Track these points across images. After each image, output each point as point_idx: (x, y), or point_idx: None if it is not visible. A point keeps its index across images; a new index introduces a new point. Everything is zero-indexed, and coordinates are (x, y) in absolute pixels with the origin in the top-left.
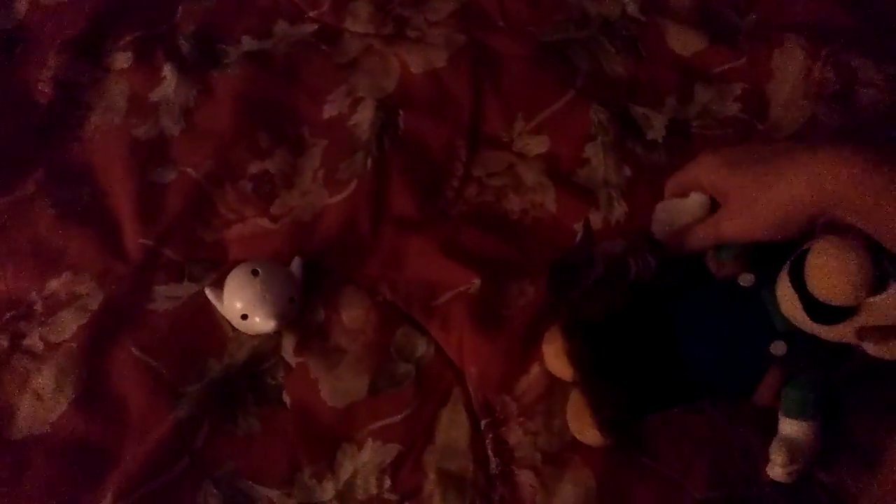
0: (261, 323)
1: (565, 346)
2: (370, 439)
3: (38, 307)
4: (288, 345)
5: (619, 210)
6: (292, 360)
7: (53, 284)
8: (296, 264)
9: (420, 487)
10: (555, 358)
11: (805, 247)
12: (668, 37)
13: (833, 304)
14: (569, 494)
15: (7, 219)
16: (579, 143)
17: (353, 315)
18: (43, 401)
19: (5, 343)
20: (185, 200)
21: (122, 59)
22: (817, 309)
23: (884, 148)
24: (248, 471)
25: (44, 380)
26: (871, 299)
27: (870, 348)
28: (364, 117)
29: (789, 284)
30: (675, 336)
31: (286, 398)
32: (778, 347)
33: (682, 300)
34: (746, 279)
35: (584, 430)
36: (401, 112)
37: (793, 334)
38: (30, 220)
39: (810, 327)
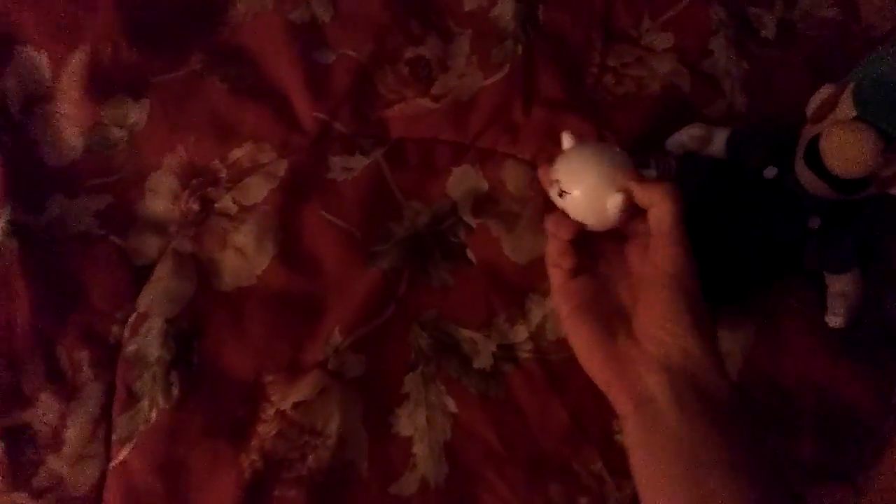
0: None
1: None
2: None
3: (223, 174)
4: (464, 208)
5: (741, 100)
6: (472, 221)
7: (236, 153)
8: None
9: None
10: None
11: (813, 133)
12: None
13: (853, 178)
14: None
15: (182, 92)
16: (704, 38)
17: (517, 185)
18: (246, 257)
19: (196, 206)
20: (348, 79)
21: None
22: (838, 182)
23: None
24: (449, 315)
25: (244, 238)
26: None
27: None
28: (505, 10)
29: (808, 170)
30: (717, 231)
31: (471, 255)
32: (813, 222)
33: (715, 198)
34: (770, 172)
35: None
36: (539, 6)
37: (822, 207)
38: (203, 93)
39: (837, 198)
